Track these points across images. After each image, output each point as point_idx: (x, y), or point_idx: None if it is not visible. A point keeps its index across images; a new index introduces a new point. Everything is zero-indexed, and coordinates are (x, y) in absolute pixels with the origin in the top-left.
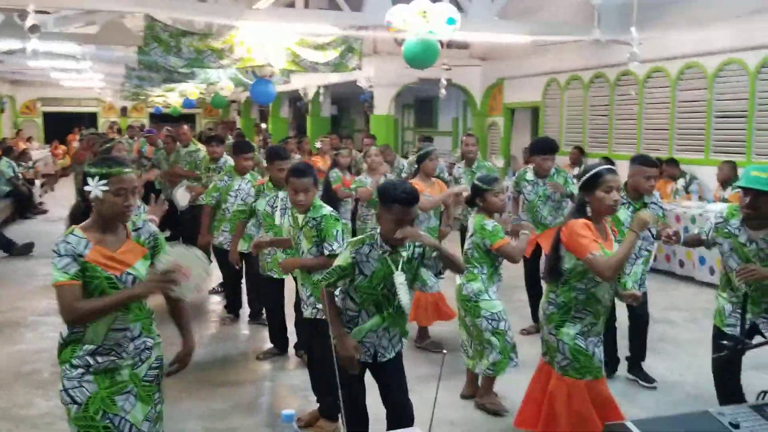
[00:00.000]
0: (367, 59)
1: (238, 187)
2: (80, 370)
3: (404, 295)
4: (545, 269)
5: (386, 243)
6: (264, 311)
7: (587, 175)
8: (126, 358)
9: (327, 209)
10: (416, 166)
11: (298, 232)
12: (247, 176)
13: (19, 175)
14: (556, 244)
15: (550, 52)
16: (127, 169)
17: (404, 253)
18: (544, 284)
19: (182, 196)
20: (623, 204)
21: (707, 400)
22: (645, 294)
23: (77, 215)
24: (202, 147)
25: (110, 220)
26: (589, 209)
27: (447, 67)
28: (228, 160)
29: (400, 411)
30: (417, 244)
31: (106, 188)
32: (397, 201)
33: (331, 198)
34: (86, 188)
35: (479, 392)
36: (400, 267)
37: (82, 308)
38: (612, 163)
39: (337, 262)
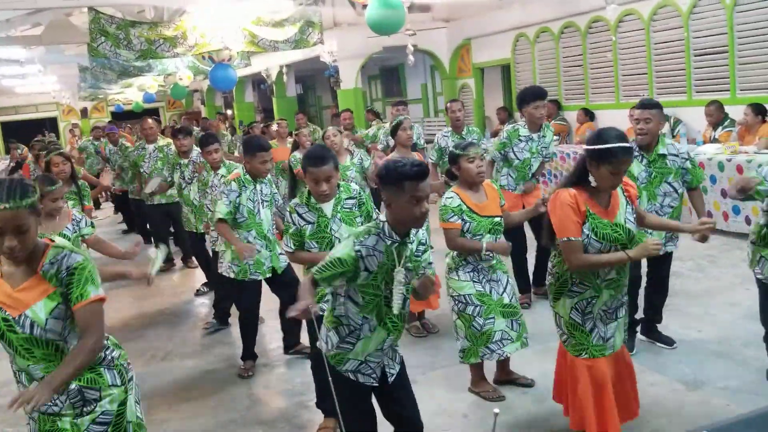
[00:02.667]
0: (329, 33)
1: (212, 183)
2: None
3: (398, 298)
4: (545, 237)
5: (395, 232)
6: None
7: (599, 147)
8: (61, 405)
9: (354, 184)
10: (392, 138)
11: (330, 223)
12: (221, 170)
13: None
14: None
15: (516, 5)
16: (5, 204)
17: (411, 246)
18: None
19: (153, 183)
20: (635, 157)
21: (735, 359)
22: (669, 255)
23: None
24: (171, 141)
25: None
26: (592, 179)
27: (411, 32)
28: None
29: (411, 428)
30: (422, 238)
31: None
32: (408, 177)
33: (295, 184)
34: None
35: (471, 379)
36: (402, 262)
37: None
38: (592, 115)
39: (336, 254)
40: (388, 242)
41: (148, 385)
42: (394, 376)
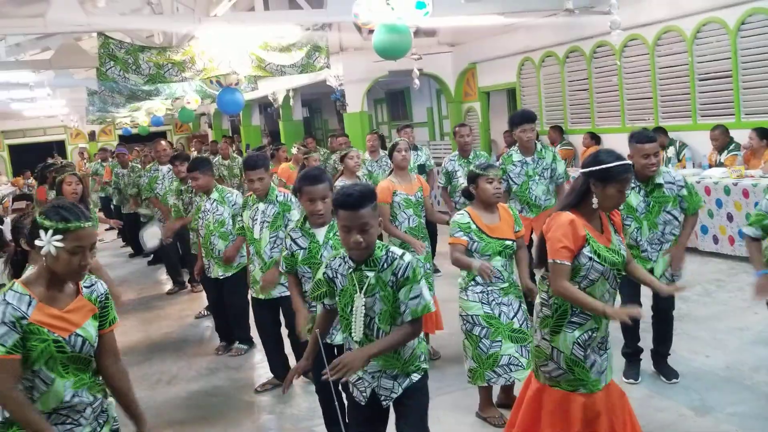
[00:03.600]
0: (335, 57)
1: (204, 208)
2: None
3: (358, 325)
4: (535, 258)
5: (351, 258)
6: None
7: (601, 167)
8: (84, 424)
9: None
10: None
11: (321, 250)
12: (214, 194)
13: None
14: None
15: (521, 30)
16: (86, 223)
17: (370, 274)
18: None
19: (151, 236)
20: (633, 188)
21: (743, 384)
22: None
23: (16, 265)
24: None
25: (61, 278)
26: (595, 200)
27: (417, 57)
28: None
29: None
30: (403, 272)
31: (60, 245)
32: (338, 205)
33: None
34: (37, 242)
35: (480, 403)
36: (364, 289)
37: (15, 397)
38: (599, 139)
39: (317, 275)
40: (347, 267)
41: (154, 409)
42: (390, 401)
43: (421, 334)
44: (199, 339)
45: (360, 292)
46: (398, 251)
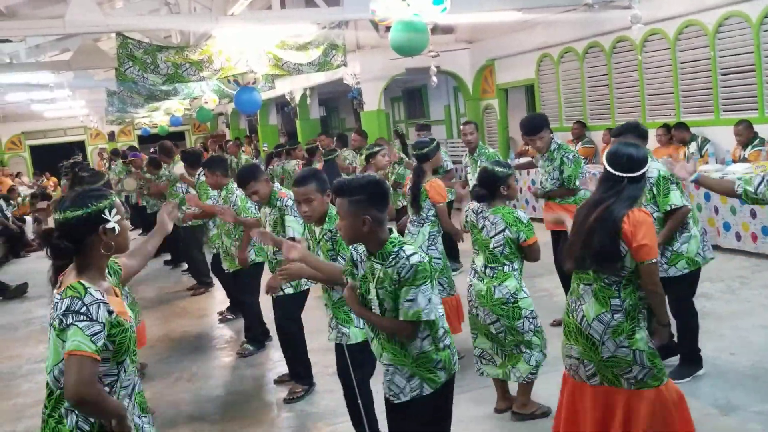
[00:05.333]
0: (351, 55)
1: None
2: None
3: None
4: (595, 261)
5: (366, 248)
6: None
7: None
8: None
9: None
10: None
11: (316, 247)
12: (222, 193)
13: (8, 214)
14: (614, 237)
15: (540, 26)
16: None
17: (378, 267)
18: None
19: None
20: None
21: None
22: (672, 279)
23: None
24: None
25: (103, 265)
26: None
27: (434, 54)
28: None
29: None
30: (407, 264)
31: (118, 217)
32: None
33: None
34: (108, 225)
35: (519, 402)
36: (375, 280)
37: (97, 393)
38: None
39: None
40: (364, 255)
41: (174, 405)
42: (397, 401)
43: (448, 341)
44: (218, 336)
45: (373, 282)
46: (409, 250)
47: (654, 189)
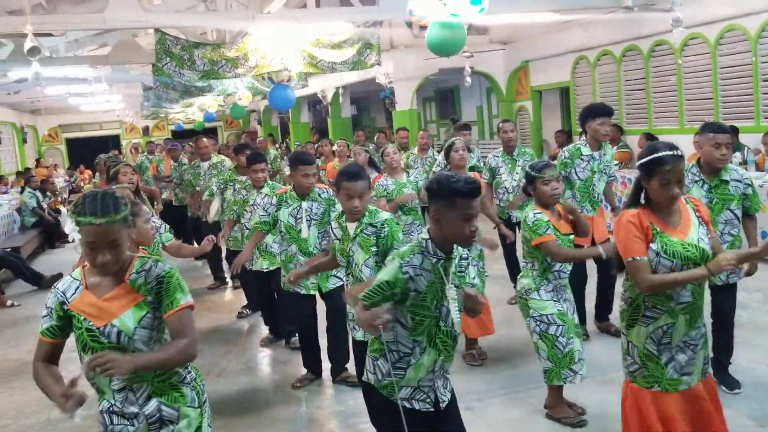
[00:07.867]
0: (385, 54)
1: (254, 202)
2: (101, 428)
3: (456, 314)
4: (615, 264)
5: (440, 249)
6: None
7: (646, 158)
8: (137, 426)
9: (386, 214)
10: (446, 161)
11: (350, 244)
12: (265, 189)
13: (44, 204)
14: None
15: (576, 27)
16: (100, 220)
17: (455, 262)
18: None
19: (213, 208)
20: (696, 181)
21: None
22: (733, 286)
23: None
24: (225, 158)
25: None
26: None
27: (469, 55)
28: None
29: None
30: (463, 253)
31: (79, 236)
32: (461, 194)
33: None
34: (65, 229)
35: (547, 401)
36: (450, 279)
37: (35, 372)
38: (654, 139)
39: (383, 276)
40: (434, 260)
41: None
42: (446, 402)
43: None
44: (247, 332)
45: (449, 283)
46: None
47: (749, 189)
